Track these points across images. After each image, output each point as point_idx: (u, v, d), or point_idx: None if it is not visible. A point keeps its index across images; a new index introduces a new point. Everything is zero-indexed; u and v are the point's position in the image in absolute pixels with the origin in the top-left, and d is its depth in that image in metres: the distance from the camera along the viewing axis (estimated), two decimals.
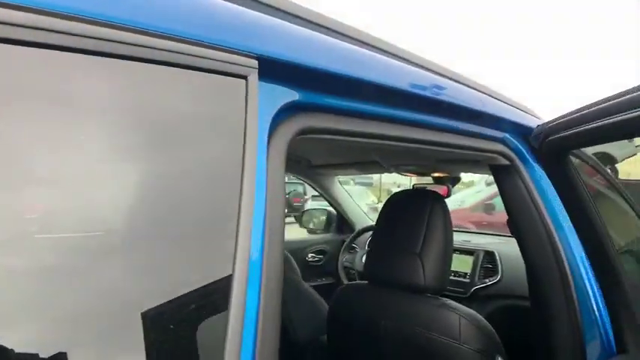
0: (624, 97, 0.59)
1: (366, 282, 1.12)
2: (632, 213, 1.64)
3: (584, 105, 0.68)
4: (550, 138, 0.72)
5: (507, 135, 0.95)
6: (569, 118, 0.69)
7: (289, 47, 0.50)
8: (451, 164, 1.62)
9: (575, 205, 0.79)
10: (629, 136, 0.63)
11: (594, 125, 0.63)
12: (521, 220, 0.95)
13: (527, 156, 0.97)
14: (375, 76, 0.59)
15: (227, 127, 0.45)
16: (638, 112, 0.56)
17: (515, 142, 0.96)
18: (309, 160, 2.07)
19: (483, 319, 0.95)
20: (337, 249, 2.54)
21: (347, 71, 0.55)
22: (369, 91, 0.61)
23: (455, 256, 2.03)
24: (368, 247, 1.13)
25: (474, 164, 1.14)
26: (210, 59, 0.41)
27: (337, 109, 0.58)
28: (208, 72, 0.42)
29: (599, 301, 0.90)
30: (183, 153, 0.42)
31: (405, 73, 0.68)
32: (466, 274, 1.93)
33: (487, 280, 1.87)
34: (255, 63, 0.45)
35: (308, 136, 0.54)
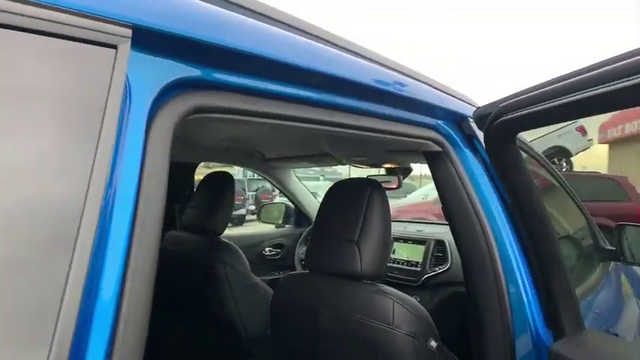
0: (575, 78, 0.59)
1: (308, 272, 1.11)
2: (569, 200, 1.70)
3: (534, 85, 0.68)
4: (500, 119, 0.71)
5: (439, 121, 0.96)
6: (519, 99, 0.68)
7: (174, 17, 0.46)
8: (400, 155, 1.64)
9: (521, 189, 0.79)
10: (580, 116, 0.63)
11: (545, 106, 0.62)
12: (452, 207, 0.96)
13: (459, 142, 0.98)
14: (277, 53, 0.57)
15: (87, 105, 0.39)
16: (588, 93, 0.57)
17: (447, 129, 0.97)
18: (263, 154, 2.04)
19: (418, 303, 0.95)
20: (295, 242, 2.53)
21: (244, 46, 0.53)
22: (276, 69, 0.58)
23: (407, 245, 2.06)
24: (310, 237, 1.12)
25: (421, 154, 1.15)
26: (74, 26, 0.38)
27: (235, 86, 0.55)
28: (71, 40, 0.38)
29: (528, 286, 0.92)
30: (28, 133, 0.36)
31: (316, 53, 0.66)
32: (418, 263, 1.96)
33: (437, 268, 1.90)
34: (127, 32, 0.41)
35: (201, 115, 0.51)
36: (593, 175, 8.51)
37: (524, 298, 0.91)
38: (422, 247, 2.00)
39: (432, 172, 1.00)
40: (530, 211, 0.79)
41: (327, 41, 0.74)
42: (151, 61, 0.46)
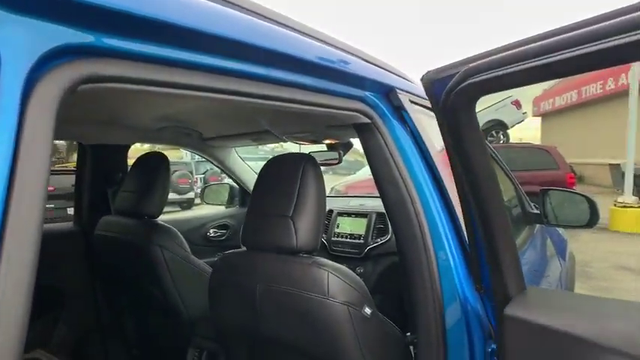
0: (540, 42, 0.58)
1: (244, 249, 1.10)
2: (497, 168, 1.80)
3: (504, 45, 0.66)
4: (466, 83, 0.67)
5: (367, 93, 0.96)
6: (489, 59, 0.65)
7: None
8: (339, 130, 1.64)
9: (476, 156, 0.77)
10: (555, 77, 0.62)
11: (521, 67, 0.60)
12: (382, 178, 0.98)
13: (387, 114, 1.00)
14: (185, 20, 0.54)
15: None
16: (553, 58, 0.56)
17: (375, 100, 0.98)
18: (200, 133, 1.98)
19: (353, 273, 0.97)
20: (241, 222, 2.50)
21: (145, 11, 0.49)
22: (185, 36, 0.55)
23: (351, 219, 2.10)
24: (246, 214, 1.10)
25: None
26: None
27: (137, 55, 0.51)
28: None
29: (456, 253, 0.96)
30: None
31: (230, 20, 0.64)
32: (361, 235, 2.01)
33: (379, 240, 1.96)
34: None
35: (96, 85, 0.47)
36: (527, 146, 9.07)
37: (452, 264, 0.95)
38: (364, 220, 2.05)
39: (362, 144, 1.01)
40: (484, 178, 0.78)
41: (246, 9, 0.71)
42: (27, 25, 0.40)
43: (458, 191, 0.86)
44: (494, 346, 0.90)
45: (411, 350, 1.03)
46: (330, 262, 0.97)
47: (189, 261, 1.56)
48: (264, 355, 1.11)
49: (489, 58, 0.65)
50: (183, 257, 1.53)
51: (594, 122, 16.59)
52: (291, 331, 0.98)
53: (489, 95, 0.75)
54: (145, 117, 1.50)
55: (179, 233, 1.58)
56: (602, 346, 0.69)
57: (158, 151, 1.68)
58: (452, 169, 0.83)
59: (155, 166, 1.58)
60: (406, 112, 1.01)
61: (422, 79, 0.79)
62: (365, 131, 0.98)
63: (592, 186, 13.53)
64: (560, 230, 2.45)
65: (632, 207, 7.51)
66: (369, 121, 0.96)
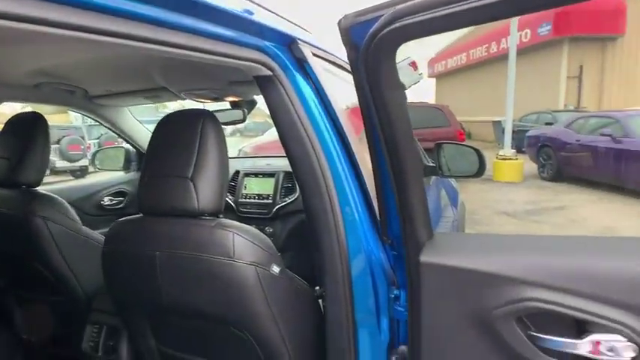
0: None
1: (140, 215, 1.01)
2: None
3: None
4: (391, 27, 0.63)
5: (268, 43, 0.91)
6: (408, 4, 0.61)
7: None
8: (241, 86, 1.57)
9: (396, 106, 0.75)
10: (492, 19, 0.59)
11: (441, 13, 0.57)
12: (286, 132, 0.95)
13: (290, 66, 0.96)
14: None
15: None
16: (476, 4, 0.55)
17: (277, 52, 0.93)
18: (86, 90, 1.75)
19: (260, 232, 0.95)
20: None
21: None
22: None
23: (258, 179, 2.06)
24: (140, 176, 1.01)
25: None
26: None
27: None
28: None
29: (360, 207, 0.98)
30: None
31: None
32: (269, 195, 1.99)
33: (287, 199, 1.96)
34: None
35: None
36: (424, 106, 9.69)
37: (357, 218, 0.97)
38: (272, 180, 2.03)
39: (265, 99, 0.97)
40: (403, 130, 0.77)
41: None
42: None
43: (369, 144, 0.85)
44: (396, 292, 0.95)
45: (320, 303, 1.06)
46: (236, 223, 0.94)
47: (80, 232, 1.42)
48: (169, 325, 1.06)
49: (416, 0, 0.62)
50: (71, 228, 1.38)
51: (480, 83, 18.21)
52: (198, 297, 0.94)
53: None
54: (15, 70, 1.28)
55: (66, 203, 1.41)
56: (509, 278, 0.75)
57: (33, 111, 1.45)
58: (364, 122, 0.82)
59: (30, 127, 1.37)
60: (309, 64, 0.98)
61: (339, 24, 0.75)
62: (267, 85, 0.94)
63: (478, 141, 15.00)
64: (453, 182, 2.68)
65: (510, 159, 8.50)
66: (270, 73, 0.91)
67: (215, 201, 0.93)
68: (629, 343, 0.68)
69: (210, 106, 2.01)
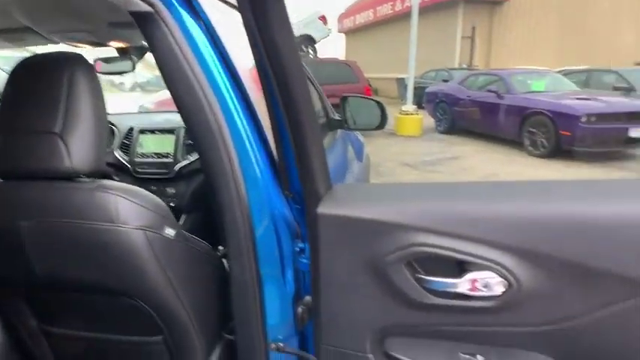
0: None
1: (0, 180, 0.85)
2: None
3: None
4: None
5: None
6: None
7: None
8: (126, 29, 1.38)
9: (287, 51, 0.71)
10: None
11: None
12: (172, 78, 0.84)
13: (175, 2, 0.84)
14: None
15: None
16: None
17: None
18: None
19: (149, 193, 0.86)
20: None
21: None
22: None
23: (155, 137, 1.89)
24: None
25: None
26: None
27: None
28: None
29: (261, 159, 0.93)
30: None
31: None
32: (169, 153, 1.85)
33: (190, 157, 1.83)
34: None
35: None
36: (332, 61, 9.70)
37: (258, 172, 0.92)
38: (172, 137, 1.87)
39: (146, 39, 0.84)
40: (296, 80, 0.74)
41: None
42: None
43: (265, 95, 0.80)
44: (301, 245, 0.94)
45: (224, 263, 1.01)
46: (119, 184, 0.83)
47: None
48: (51, 302, 0.95)
49: None
50: None
51: (386, 40, 18.68)
52: (80, 269, 0.84)
53: (297, 11, 0.69)
54: None
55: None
56: (399, 225, 0.77)
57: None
58: (259, 71, 0.77)
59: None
60: (197, 1, 0.87)
61: None
62: (148, 22, 0.81)
63: (384, 97, 15.49)
64: (359, 135, 2.74)
65: (411, 114, 8.97)
66: (149, 9, 0.78)
67: (93, 160, 0.81)
68: (500, 279, 0.73)
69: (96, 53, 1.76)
